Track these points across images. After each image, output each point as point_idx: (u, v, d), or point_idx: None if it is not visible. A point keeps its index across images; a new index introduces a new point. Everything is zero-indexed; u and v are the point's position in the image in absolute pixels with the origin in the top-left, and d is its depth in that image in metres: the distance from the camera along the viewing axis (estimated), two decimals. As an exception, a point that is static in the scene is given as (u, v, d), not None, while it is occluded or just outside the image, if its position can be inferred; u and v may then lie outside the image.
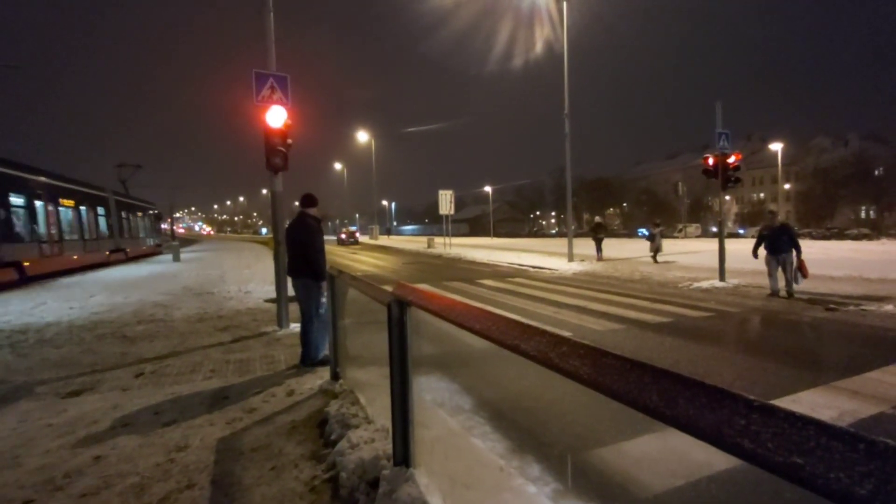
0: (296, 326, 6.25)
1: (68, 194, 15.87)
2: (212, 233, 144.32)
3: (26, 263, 12.45)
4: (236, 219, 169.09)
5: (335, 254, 26.52)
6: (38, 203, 13.54)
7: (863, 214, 52.77)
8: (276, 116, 5.93)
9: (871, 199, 51.12)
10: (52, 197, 14.50)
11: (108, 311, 7.82)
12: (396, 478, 2.01)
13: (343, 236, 40.24)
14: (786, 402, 3.26)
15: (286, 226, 5.10)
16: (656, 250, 15.80)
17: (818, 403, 3.49)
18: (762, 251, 8.78)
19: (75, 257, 15.86)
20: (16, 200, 12.41)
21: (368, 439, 2.54)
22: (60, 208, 15.11)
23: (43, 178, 14.22)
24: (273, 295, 7.34)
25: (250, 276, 12.73)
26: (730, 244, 11.05)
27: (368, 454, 2.35)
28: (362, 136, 41.21)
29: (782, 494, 2.16)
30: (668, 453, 2.65)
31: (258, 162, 6.17)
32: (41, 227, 13.57)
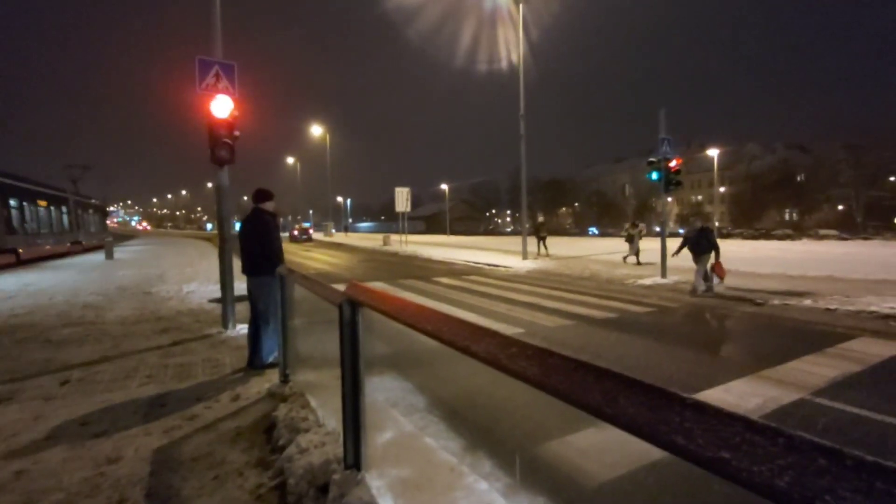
0: (243, 328, 5.99)
1: (43, 196, 19.22)
2: (148, 228, 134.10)
3: (21, 250, 16.12)
4: (178, 213, 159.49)
5: (287, 251, 25.62)
6: (25, 204, 17.06)
7: (787, 217, 57.66)
8: (222, 106, 5.63)
9: (794, 202, 55.97)
10: (33, 199, 17.97)
11: (29, 314, 7.15)
12: (347, 482, 1.97)
13: (296, 233, 39.02)
14: (718, 392, 3.49)
15: (241, 222, 4.81)
16: (636, 252, 14.86)
17: (746, 392, 3.76)
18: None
19: (48, 247, 19.27)
20: (13, 202, 16.13)
21: (319, 443, 2.47)
22: (39, 208, 18.64)
23: (27, 185, 17.60)
24: (218, 294, 7.00)
25: (193, 275, 12.06)
26: (671, 243, 11.72)
27: (318, 458, 2.29)
28: (317, 130, 40.12)
29: (711, 480, 2.32)
30: (611, 444, 2.77)
31: (203, 154, 5.84)
32: (28, 223, 17.31)
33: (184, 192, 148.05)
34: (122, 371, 4.30)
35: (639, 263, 14.55)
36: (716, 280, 8.83)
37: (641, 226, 15.80)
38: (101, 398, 3.61)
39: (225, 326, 5.91)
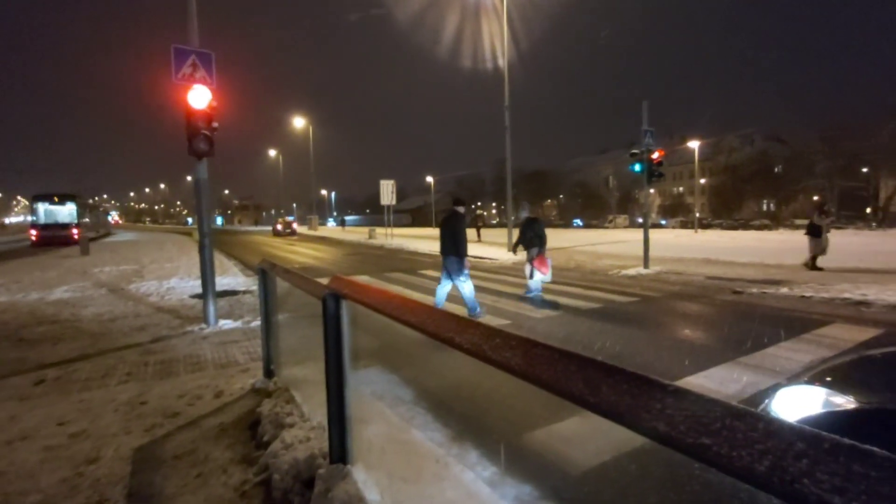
0: (225, 323, 5.91)
1: None
2: (119, 221, 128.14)
3: None
4: (157, 207, 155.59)
5: (271, 245, 25.34)
6: None
7: (765, 207, 59.00)
8: (200, 97, 5.49)
9: (771, 193, 57.26)
10: None
11: (0, 312, 6.92)
12: (333, 476, 1.96)
13: (279, 227, 38.33)
14: (699, 378, 3.56)
15: (442, 219, 6.64)
16: (820, 251, 10.32)
17: (725, 378, 3.86)
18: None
19: None
20: None
21: (304, 438, 2.45)
22: None
23: None
24: (199, 290, 6.88)
25: (173, 271, 11.82)
26: (653, 234, 11.90)
27: (303, 453, 2.27)
28: (299, 122, 39.47)
29: (692, 465, 2.37)
30: (595, 432, 2.81)
31: (181, 146, 5.69)
32: None
33: (162, 186, 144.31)
34: (100, 369, 4.20)
35: (815, 267, 10.24)
36: (538, 275, 7.61)
37: (831, 218, 10.71)
38: (79, 397, 3.53)
39: (207, 322, 5.81)
